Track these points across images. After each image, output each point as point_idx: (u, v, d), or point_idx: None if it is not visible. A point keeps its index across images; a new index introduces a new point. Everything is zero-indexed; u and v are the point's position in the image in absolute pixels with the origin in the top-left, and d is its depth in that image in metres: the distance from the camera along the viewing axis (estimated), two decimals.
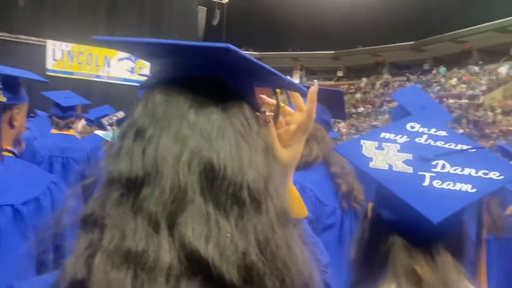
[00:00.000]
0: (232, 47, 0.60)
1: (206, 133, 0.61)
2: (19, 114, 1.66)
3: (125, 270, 0.54)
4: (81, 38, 21.96)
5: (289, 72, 33.94)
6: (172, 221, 0.56)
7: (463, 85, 25.73)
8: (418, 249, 0.96)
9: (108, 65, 22.93)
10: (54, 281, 0.59)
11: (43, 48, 21.52)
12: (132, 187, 0.58)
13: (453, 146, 1.06)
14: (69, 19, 21.87)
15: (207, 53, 0.63)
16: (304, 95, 0.83)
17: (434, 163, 1.01)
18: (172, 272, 0.54)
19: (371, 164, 1.01)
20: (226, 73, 0.66)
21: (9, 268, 1.23)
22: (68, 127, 3.83)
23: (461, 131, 20.03)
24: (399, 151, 1.05)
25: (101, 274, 0.54)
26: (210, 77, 0.66)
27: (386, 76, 32.47)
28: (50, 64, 21.23)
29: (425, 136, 1.10)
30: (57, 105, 3.76)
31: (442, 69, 28.98)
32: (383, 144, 1.07)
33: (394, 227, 1.00)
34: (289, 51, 34.22)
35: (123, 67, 22.98)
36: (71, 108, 3.88)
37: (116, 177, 0.60)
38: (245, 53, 0.63)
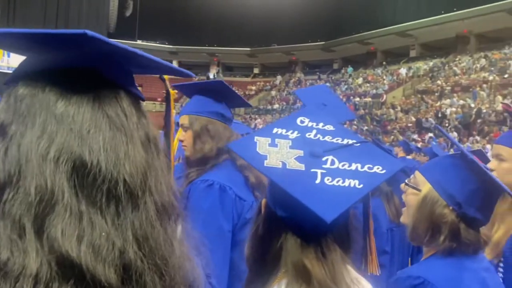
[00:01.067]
0: (90, 32, 0.54)
1: (76, 126, 0.56)
2: None
3: None
4: None
5: (206, 67, 33.78)
6: (39, 224, 0.52)
7: (368, 85, 27.60)
8: (310, 245, 0.98)
9: (8, 55, 21.06)
10: None
11: None
12: None
13: (339, 140, 1.11)
14: None
15: (65, 41, 0.58)
16: (189, 77, 0.79)
17: (324, 159, 1.04)
18: (40, 279, 0.50)
19: (265, 163, 1.02)
20: (95, 61, 0.61)
21: None
22: None
23: (365, 127, 21.48)
24: (291, 147, 1.06)
25: None
26: (79, 67, 0.61)
27: (299, 75, 33.71)
28: None
29: (314, 131, 1.12)
30: None
31: (350, 69, 30.84)
32: (276, 140, 1.08)
33: (287, 223, 1.02)
34: (206, 46, 34.03)
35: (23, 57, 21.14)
36: None
37: None
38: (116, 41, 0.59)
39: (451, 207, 1.40)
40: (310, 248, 0.99)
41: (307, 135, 1.11)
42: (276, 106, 29.56)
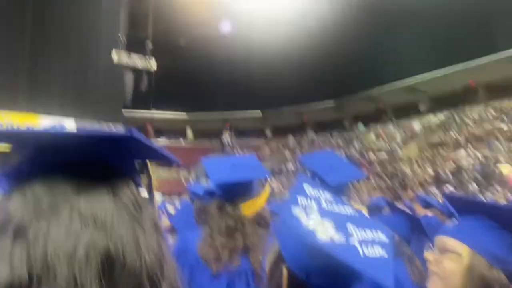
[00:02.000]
0: (136, 134, 0.57)
1: (100, 221, 0.57)
2: None
3: None
4: None
5: (219, 133, 34.41)
6: None
7: (381, 140, 27.64)
8: None
9: None
10: None
11: None
12: None
13: (341, 209, 1.12)
14: None
15: (110, 141, 0.59)
16: (174, 161, 0.76)
17: (348, 229, 1.05)
18: None
19: (318, 238, 1.02)
20: (111, 156, 0.62)
21: None
22: None
23: (383, 183, 21.21)
24: (322, 219, 1.07)
25: None
26: (94, 161, 0.62)
27: (311, 134, 34.02)
28: None
29: (322, 199, 1.14)
30: None
31: (361, 126, 31.06)
32: (310, 213, 1.09)
33: None
34: (218, 111, 34.89)
35: None
36: None
37: None
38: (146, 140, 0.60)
39: (498, 268, 1.35)
40: None
41: (322, 205, 1.12)
42: (290, 166, 29.58)
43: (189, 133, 35.41)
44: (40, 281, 0.53)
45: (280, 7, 29.51)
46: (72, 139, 0.59)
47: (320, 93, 32.20)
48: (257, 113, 35.84)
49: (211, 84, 32.91)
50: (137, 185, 0.66)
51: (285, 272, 1.11)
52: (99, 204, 0.58)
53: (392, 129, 28.54)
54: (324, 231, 1.03)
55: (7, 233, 0.55)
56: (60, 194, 0.58)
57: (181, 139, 34.69)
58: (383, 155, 25.39)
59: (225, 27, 27.36)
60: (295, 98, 32.83)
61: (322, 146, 31.21)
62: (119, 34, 22.92)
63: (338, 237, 1.02)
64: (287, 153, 32.15)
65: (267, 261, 1.18)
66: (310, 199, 1.13)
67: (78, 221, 0.56)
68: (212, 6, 27.95)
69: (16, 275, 0.52)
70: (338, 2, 28.25)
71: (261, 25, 29.67)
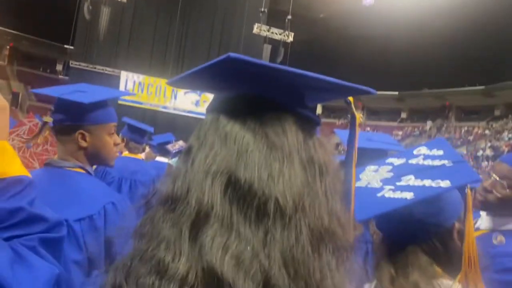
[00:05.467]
0: (233, 55, 0.58)
1: (236, 145, 0.60)
2: (89, 135, 1.69)
3: (152, 278, 0.56)
4: (152, 71, 23.37)
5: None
6: (195, 231, 0.57)
7: None
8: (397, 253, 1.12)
9: (175, 97, 24.01)
10: (101, 284, 0.63)
11: (117, 78, 23.11)
12: (171, 204, 0.61)
13: (436, 162, 1.15)
14: (142, 52, 23.46)
15: (216, 68, 0.63)
16: (366, 93, 0.73)
17: (403, 177, 1.12)
18: (186, 282, 0.54)
19: (357, 184, 1.12)
20: (257, 87, 0.65)
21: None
22: (137, 151, 4.09)
23: None
24: (388, 171, 1.16)
25: (134, 279, 0.57)
26: (247, 94, 0.66)
27: (453, 120, 31.21)
28: None
29: (422, 156, 1.18)
30: (136, 130, 4.09)
31: None
32: (380, 167, 1.19)
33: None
34: None
35: (188, 100, 24.00)
36: (145, 133, 4.21)
37: (161, 196, 0.63)
38: (252, 59, 0.61)
39: None
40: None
41: (410, 161, 1.18)
42: None
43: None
44: (185, 194, 0.60)
45: None
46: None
47: (467, 77, 29.15)
48: (393, 94, 34.03)
49: (346, 62, 32.12)
50: (310, 120, 0.68)
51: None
52: (240, 132, 0.62)
53: None
54: (368, 180, 1.15)
55: (182, 156, 0.66)
56: (214, 124, 0.65)
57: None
58: None
59: (367, 1, 26.13)
60: (437, 81, 30.30)
61: (464, 134, 28.46)
62: (262, 8, 23.56)
63: (376, 184, 1.13)
64: (423, 137, 30.09)
65: None
66: (403, 158, 1.20)
67: (218, 145, 0.61)
68: None
69: (175, 189, 0.61)
70: None
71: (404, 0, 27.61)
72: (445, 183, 1.06)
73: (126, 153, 4.06)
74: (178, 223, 0.58)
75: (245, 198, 0.57)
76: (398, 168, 1.18)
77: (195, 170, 0.61)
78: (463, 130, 28.94)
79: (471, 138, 28.37)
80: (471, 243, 1.07)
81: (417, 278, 1.04)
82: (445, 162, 1.14)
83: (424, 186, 1.07)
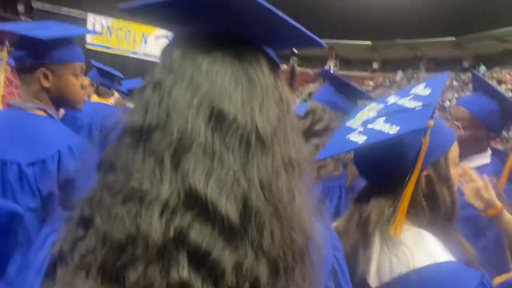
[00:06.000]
0: None
1: (219, 79, 0.63)
2: (52, 75, 1.62)
3: (127, 208, 0.58)
4: (120, 13, 22.32)
5: (324, 60, 33.55)
6: (177, 160, 0.59)
7: (503, 86, 24.83)
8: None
9: (145, 42, 23.21)
10: (66, 217, 0.65)
11: (83, 21, 22.05)
12: (144, 134, 0.62)
13: (412, 104, 1.12)
14: None
15: (213, 3, 0.64)
16: (320, 47, 0.77)
17: (377, 119, 1.12)
18: (168, 206, 0.57)
19: (348, 123, 1.20)
20: (241, 26, 0.67)
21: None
22: (106, 95, 4.04)
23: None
24: (376, 110, 1.18)
25: (105, 210, 0.59)
26: (225, 32, 0.68)
27: (423, 71, 31.68)
28: (89, 37, 21.70)
29: (411, 96, 1.15)
30: (105, 73, 4.01)
31: (482, 68, 28.04)
32: (377, 105, 1.22)
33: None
34: (325, 38, 33.74)
35: (159, 45, 23.19)
36: (114, 78, 4.16)
37: (130, 127, 0.64)
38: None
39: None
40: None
41: (399, 100, 1.17)
42: None
43: (293, 59, 34.87)
44: (161, 124, 0.61)
45: None
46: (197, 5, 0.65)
47: (439, 28, 29.29)
48: (366, 43, 33.97)
49: (321, 10, 31.53)
50: (274, 62, 0.72)
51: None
52: (221, 65, 0.65)
53: None
54: (355, 122, 1.18)
55: (149, 88, 0.66)
56: (190, 58, 0.66)
57: (284, 64, 34.30)
58: None
59: None
60: (410, 32, 30.34)
61: None
62: None
63: (355, 125, 1.17)
64: (393, 88, 30.53)
65: None
66: (401, 97, 1.19)
67: (199, 79, 0.64)
68: None
69: (147, 120, 0.62)
70: None
71: None
72: (394, 130, 1.05)
73: (95, 97, 4.00)
74: (155, 152, 0.60)
75: (228, 128, 0.61)
76: (385, 108, 1.18)
77: (174, 101, 0.62)
78: None
79: None
80: (410, 189, 1.04)
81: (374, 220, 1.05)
82: (418, 104, 1.11)
83: (380, 131, 1.08)
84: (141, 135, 0.62)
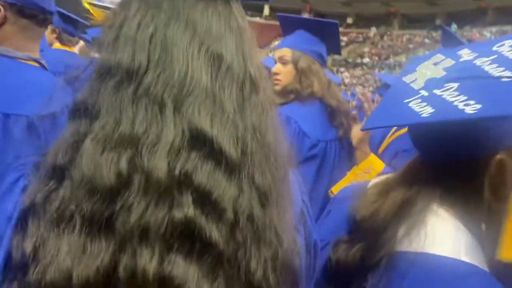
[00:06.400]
0: None
1: (214, 22, 0.65)
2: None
3: (117, 153, 0.57)
4: None
5: (297, 13, 32.91)
6: (179, 102, 0.60)
7: None
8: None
9: None
10: (35, 164, 0.62)
11: None
12: (133, 75, 0.60)
13: (499, 71, 0.82)
14: None
15: None
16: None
17: (447, 84, 0.84)
18: (174, 146, 0.58)
19: (404, 78, 0.90)
20: None
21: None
22: (70, 44, 3.81)
23: None
24: (446, 68, 0.89)
25: (89, 157, 0.56)
26: None
27: (396, 28, 31.64)
28: None
29: (494, 56, 0.85)
30: (69, 20, 3.74)
31: (453, 26, 28.20)
32: (446, 58, 0.91)
33: None
34: None
35: None
36: (78, 25, 3.89)
37: (113, 66, 0.61)
38: None
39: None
40: None
41: (478, 59, 0.87)
42: (366, 60, 28.26)
43: (266, 9, 34.18)
44: (158, 64, 0.60)
45: None
46: None
47: None
48: None
49: None
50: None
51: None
52: (215, 12, 0.66)
53: (490, 35, 25.71)
54: (418, 76, 0.92)
55: (132, 25, 0.63)
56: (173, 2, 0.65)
57: (257, 16, 33.69)
58: None
59: None
60: None
61: (406, 42, 29.11)
62: None
63: (418, 84, 0.89)
64: (366, 44, 30.47)
65: None
66: (474, 53, 0.90)
67: (196, 23, 0.64)
68: None
69: (137, 59, 0.60)
70: None
71: None
72: (472, 108, 0.77)
73: (57, 45, 3.77)
74: (150, 94, 0.59)
75: (225, 74, 0.63)
76: (458, 65, 0.89)
77: (171, 41, 0.62)
78: (405, 38, 29.55)
79: (411, 46, 29.13)
80: None
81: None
82: (507, 74, 0.80)
83: (451, 104, 0.79)
84: (129, 77, 0.60)
